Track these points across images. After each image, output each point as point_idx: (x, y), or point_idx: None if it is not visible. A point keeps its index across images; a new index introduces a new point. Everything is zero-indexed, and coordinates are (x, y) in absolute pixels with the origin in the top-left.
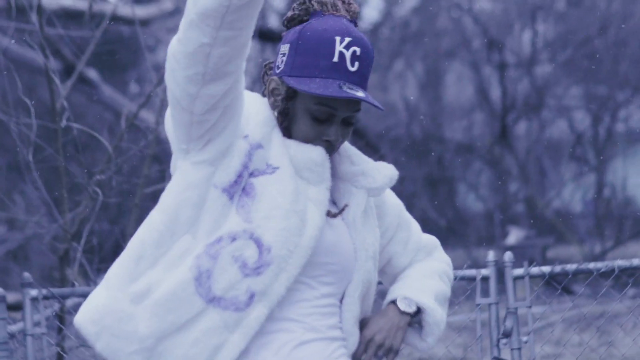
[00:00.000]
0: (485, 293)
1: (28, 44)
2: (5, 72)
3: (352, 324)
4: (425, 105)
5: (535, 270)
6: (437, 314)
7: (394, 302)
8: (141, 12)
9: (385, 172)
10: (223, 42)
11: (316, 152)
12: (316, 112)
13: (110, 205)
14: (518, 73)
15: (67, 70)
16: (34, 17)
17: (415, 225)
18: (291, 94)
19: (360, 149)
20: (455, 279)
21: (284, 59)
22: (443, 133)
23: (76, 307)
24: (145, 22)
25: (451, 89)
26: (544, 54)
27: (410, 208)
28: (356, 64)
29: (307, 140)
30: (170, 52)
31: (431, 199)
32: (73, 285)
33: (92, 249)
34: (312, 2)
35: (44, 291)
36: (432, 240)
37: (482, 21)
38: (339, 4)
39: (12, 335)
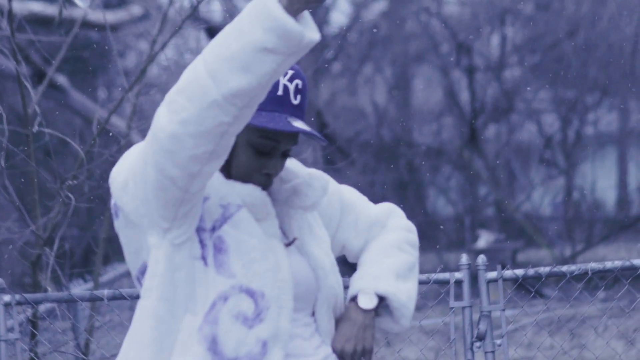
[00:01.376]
0: (459, 296)
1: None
2: None
3: (327, 337)
4: (394, 109)
5: (508, 273)
6: (401, 295)
7: (354, 299)
8: (110, 17)
9: (316, 184)
10: (242, 120)
11: (255, 194)
12: (259, 145)
13: (82, 210)
14: (487, 77)
15: (37, 76)
16: (4, 22)
17: (360, 204)
18: None
19: (330, 154)
20: (428, 282)
21: None
22: (412, 137)
23: (49, 313)
24: (114, 28)
25: (420, 93)
26: (513, 57)
27: None
28: (298, 97)
29: (247, 172)
30: (166, 133)
31: (401, 202)
32: (46, 290)
33: (64, 254)
34: None
35: (18, 297)
36: (384, 209)
37: (450, 25)
38: None
39: None
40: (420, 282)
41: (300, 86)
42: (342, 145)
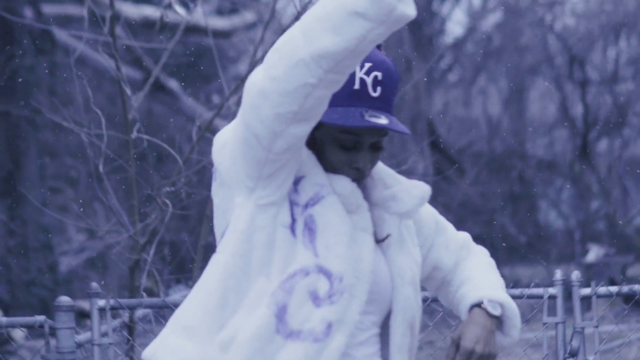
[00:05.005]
0: (553, 311)
1: (109, 55)
2: (86, 81)
3: (398, 353)
4: (507, 120)
5: (602, 289)
6: (514, 306)
7: (478, 305)
8: (223, 23)
9: (415, 192)
10: (327, 85)
11: (344, 184)
12: (342, 141)
13: (181, 216)
14: (600, 90)
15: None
16: (115, 28)
17: (450, 227)
18: (316, 125)
19: (440, 163)
20: (522, 297)
21: None
22: (524, 149)
23: (144, 318)
24: (227, 34)
25: (533, 105)
26: (627, 71)
27: (490, 224)
28: (378, 89)
29: (336, 168)
30: (256, 89)
31: (512, 215)
32: (142, 296)
33: (163, 259)
34: None
35: (112, 301)
36: (465, 236)
37: (564, 37)
38: None
39: (79, 345)
40: (514, 297)
41: (380, 77)
42: (454, 156)
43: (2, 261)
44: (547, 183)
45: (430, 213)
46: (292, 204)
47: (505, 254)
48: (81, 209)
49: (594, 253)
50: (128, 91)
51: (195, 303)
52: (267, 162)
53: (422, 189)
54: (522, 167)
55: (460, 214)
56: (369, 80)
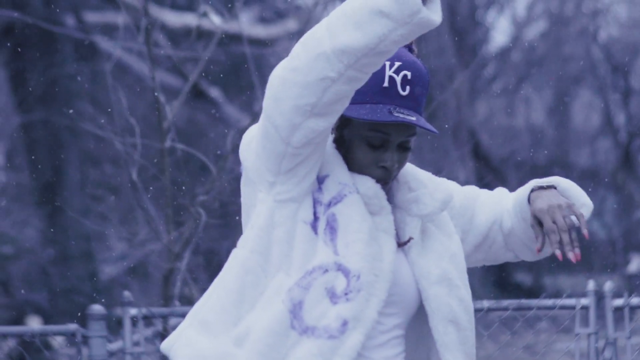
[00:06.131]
0: (585, 322)
1: (151, 63)
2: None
3: (447, 351)
4: (550, 130)
5: (635, 300)
6: (564, 180)
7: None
8: (266, 32)
9: (438, 196)
10: (346, 81)
11: (368, 184)
12: (370, 138)
13: (219, 224)
14: None
15: (192, 90)
16: (150, 36)
17: (473, 190)
18: (345, 122)
19: (482, 172)
20: (554, 307)
21: None
22: (567, 158)
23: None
24: (269, 42)
25: (576, 115)
26: None
27: None
28: (407, 88)
29: (363, 166)
30: (278, 80)
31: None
32: (174, 304)
33: (197, 268)
34: None
35: (144, 310)
36: (482, 189)
37: (608, 47)
38: None
39: (111, 353)
40: (546, 308)
41: (409, 77)
42: (496, 164)
43: (42, 269)
44: (589, 192)
45: (455, 189)
46: (316, 202)
47: (547, 264)
48: (122, 217)
49: (636, 263)
50: (162, 99)
51: (213, 298)
52: (285, 155)
53: (445, 193)
54: (564, 176)
55: None
56: (398, 78)
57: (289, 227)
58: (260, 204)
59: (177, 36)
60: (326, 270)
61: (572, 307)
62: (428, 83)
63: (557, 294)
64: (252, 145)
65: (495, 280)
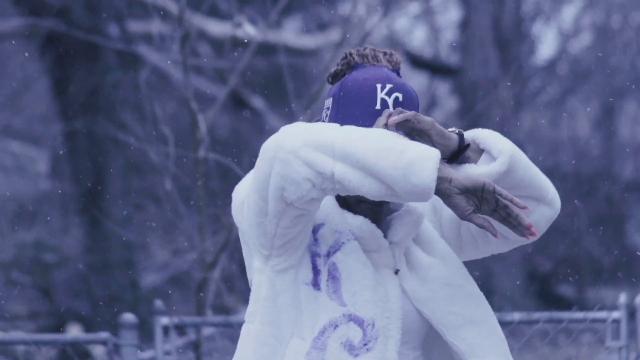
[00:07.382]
0: (616, 335)
1: (194, 72)
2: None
3: (473, 356)
4: (595, 142)
5: None
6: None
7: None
8: (309, 41)
9: (407, 219)
10: (326, 194)
11: (364, 227)
12: None
13: None
14: None
15: (235, 100)
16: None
17: None
18: None
19: None
20: (585, 320)
21: (328, 112)
22: (613, 171)
23: (210, 337)
24: (313, 52)
25: (622, 127)
26: None
27: (576, 245)
28: (399, 109)
29: (353, 203)
30: (262, 173)
31: (598, 236)
32: (206, 314)
33: (231, 278)
34: (353, 55)
35: (175, 320)
36: None
37: None
38: (380, 55)
39: None
40: (577, 321)
41: (401, 99)
42: None
43: (83, 277)
44: (635, 205)
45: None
46: (314, 255)
47: (591, 276)
48: (163, 226)
49: None
50: (195, 108)
51: None
52: (275, 235)
53: (415, 215)
54: (609, 188)
55: (545, 235)
56: (390, 100)
57: (293, 292)
58: (259, 274)
59: (220, 45)
60: (336, 326)
61: (604, 320)
62: (418, 105)
63: (602, 308)
64: (244, 208)
65: (537, 291)
